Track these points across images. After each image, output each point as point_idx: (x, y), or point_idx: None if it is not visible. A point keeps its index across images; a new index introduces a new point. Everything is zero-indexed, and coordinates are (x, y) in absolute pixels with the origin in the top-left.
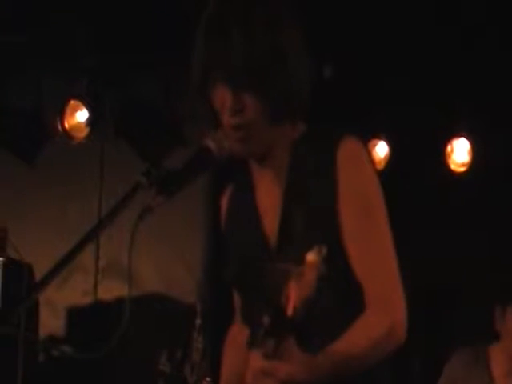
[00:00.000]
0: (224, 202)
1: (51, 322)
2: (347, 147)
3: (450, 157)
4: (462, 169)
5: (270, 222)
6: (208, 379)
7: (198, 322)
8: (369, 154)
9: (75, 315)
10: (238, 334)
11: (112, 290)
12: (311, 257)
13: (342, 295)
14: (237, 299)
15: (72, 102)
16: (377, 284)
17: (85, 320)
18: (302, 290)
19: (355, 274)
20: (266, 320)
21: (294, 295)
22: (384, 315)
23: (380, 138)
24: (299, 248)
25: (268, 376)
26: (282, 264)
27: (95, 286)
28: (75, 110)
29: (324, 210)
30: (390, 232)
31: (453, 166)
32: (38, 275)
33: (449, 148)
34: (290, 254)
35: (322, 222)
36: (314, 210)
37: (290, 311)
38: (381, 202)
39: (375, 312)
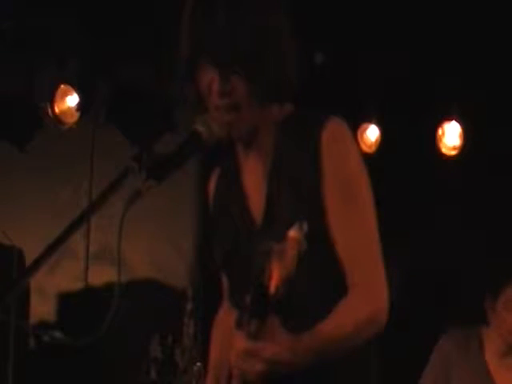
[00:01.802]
0: (211, 185)
1: (42, 308)
2: (331, 129)
3: (441, 140)
4: (453, 152)
5: (256, 203)
6: (199, 364)
7: (189, 306)
8: (351, 132)
9: (66, 301)
10: (225, 316)
11: (102, 275)
12: (293, 233)
13: (324, 277)
14: (225, 282)
15: (62, 86)
16: (360, 269)
17: (75, 306)
18: (283, 267)
19: (339, 257)
20: (247, 299)
21: (277, 273)
22: (368, 301)
23: (371, 122)
24: (284, 228)
25: (252, 357)
26: (267, 243)
27: (86, 272)
28: (65, 95)
29: (308, 191)
30: (375, 215)
31: (444, 150)
32: (29, 260)
33: (440, 131)
34: (276, 234)
35: (306, 202)
36: (298, 191)
37: (272, 290)
38: (365, 184)
39: (359, 297)
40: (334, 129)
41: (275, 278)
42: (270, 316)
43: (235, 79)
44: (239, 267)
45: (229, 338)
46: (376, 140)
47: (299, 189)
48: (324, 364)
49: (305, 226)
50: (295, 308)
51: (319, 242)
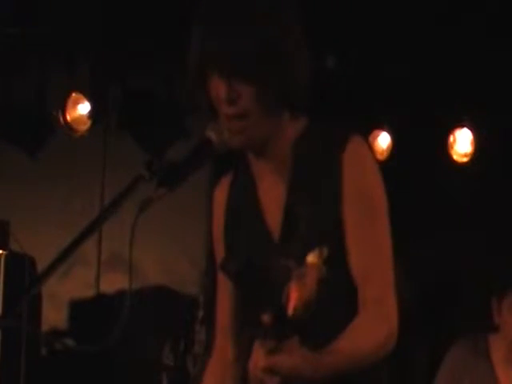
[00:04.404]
0: (220, 194)
1: (53, 316)
2: (353, 149)
3: (452, 147)
4: (465, 159)
5: (273, 218)
6: None
7: (201, 313)
8: (373, 153)
9: (77, 308)
10: (216, 366)
11: (114, 282)
12: (312, 258)
13: (341, 295)
14: (231, 300)
15: (74, 94)
16: (374, 287)
17: (87, 313)
18: (302, 291)
19: (352, 274)
20: (266, 319)
21: (295, 296)
22: (383, 321)
23: (382, 129)
24: (301, 245)
25: (271, 373)
26: (284, 260)
27: (97, 279)
28: (77, 102)
29: (328, 210)
30: (390, 236)
31: (455, 157)
32: (41, 268)
33: (451, 138)
34: (293, 251)
35: (325, 221)
36: (317, 209)
37: (290, 312)
38: (384, 205)
39: (374, 316)
40: (355, 150)
41: (294, 300)
42: (288, 336)
43: (242, 86)
44: (254, 281)
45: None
46: (387, 147)
47: (318, 207)
48: (340, 379)
49: (325, 251)
50: (314, 329)
51: (337, 262)
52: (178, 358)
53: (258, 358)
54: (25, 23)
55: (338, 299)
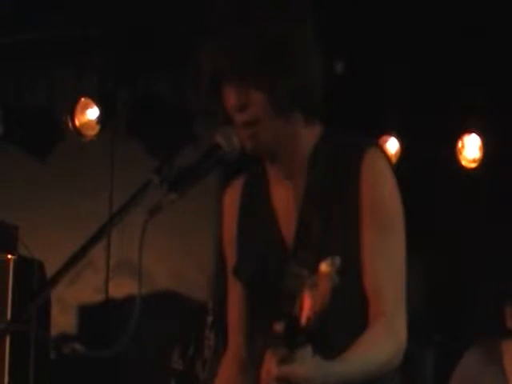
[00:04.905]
0: (231, 197)
1: (62, 320)
2: (371, 160)
3: (461, 153)
4: (473, 165)
5: (287, 225)
6: None
7: (210, 318)
8: (391, 164)
9: (86, 313)
10: (228, 371)
11: (123, 287)
12: (325, 267)
13: (353, 305)
14: (242, 302)
15: (83, 99)
16: (386, 302)
17: (96, 317)
18: (315, 300)
19: (365, 286)
20: (278, 328)
21: (308, 305)
22: (392, 334)
23: (391, 134)
24: (315, 254)
25: (285, 382)
26: (297, 268)
27: (106, 284)
28: (86, 107)
29: (343, 221)
30: (405, 249)
31: (464, 162)
32: (49, 273)
33: (460, 144)
34: (306, 259)
35: (340, 231)
36: (333, 219)
37: (303, 321)
38: (400, 219)
39: (384, 330)
40: (373, 161)
41: (306, 310)
42: (301, 345)
43: (253, 93)
44: (266, 289)
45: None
46: (396, 152)
47: (333, 217)
48: None
49: (337, 261)
50: (326, 338)
51: (350, 272)
52: (187, 363)
53: (271, 366)
54: (35, 28)
55: (350, 309)
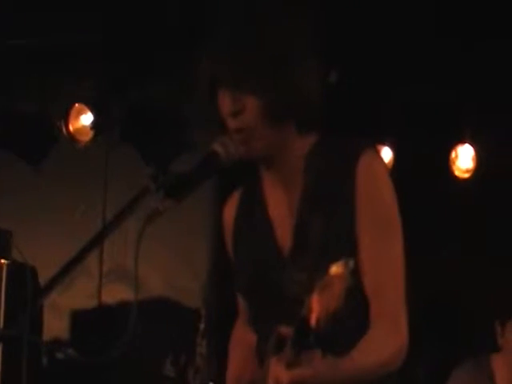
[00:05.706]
0: (229, 210)
1: (55, 325)
2: (367, 162)
3: (454, 163)
4: (467, 175)
5: (284, 232)
6: None
7: (202, 326)
8: (386, 165)
9: (79, 318)
10: (243, 334)
11: (116, 293)
12: (338, 269)
13: (356, 308)
14: (243, 306)
15: (77, 105)
16: (387, 303)
17: (89, 323)
18: (328, 301)
19: (365, 288)
20: (285, 331)
21: (317, 307)
22: (393, 335)
23: (384, 144)
24: (313, 260)
25: None
26: (296, 274)
27: (99, 290)
28: (80, 113)
29: (341, 225)
30: (403, 251)
31: (457, 173)
32: (42, 278)
33: (453, 154)
34: (304, 265)
35: (338, 235)
36: (330, 223)
37: (313, 323)
38: (398, 220)
39: (386, 331)
40: (369, 163)
41: (316, 312)
42: (310, 348)
43: (247, 99)
44: (265, 294)
45: (248, 356)
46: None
47: (331, 221)
48: None
49: (351, 263)
50: (333, 339)
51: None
52: (179, 371)
53: (278, 372)
54: (28, 33)
55: (352, 311)
